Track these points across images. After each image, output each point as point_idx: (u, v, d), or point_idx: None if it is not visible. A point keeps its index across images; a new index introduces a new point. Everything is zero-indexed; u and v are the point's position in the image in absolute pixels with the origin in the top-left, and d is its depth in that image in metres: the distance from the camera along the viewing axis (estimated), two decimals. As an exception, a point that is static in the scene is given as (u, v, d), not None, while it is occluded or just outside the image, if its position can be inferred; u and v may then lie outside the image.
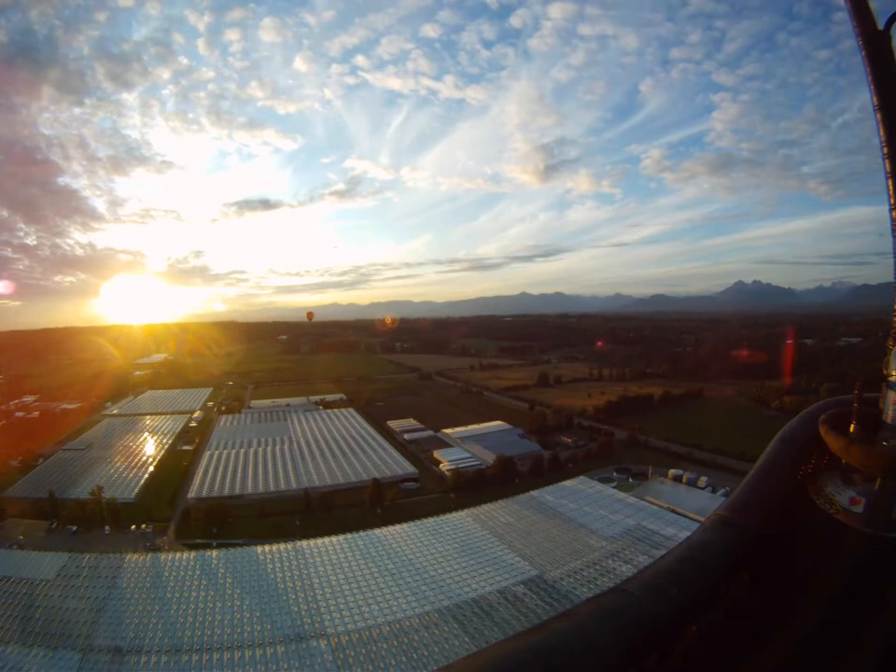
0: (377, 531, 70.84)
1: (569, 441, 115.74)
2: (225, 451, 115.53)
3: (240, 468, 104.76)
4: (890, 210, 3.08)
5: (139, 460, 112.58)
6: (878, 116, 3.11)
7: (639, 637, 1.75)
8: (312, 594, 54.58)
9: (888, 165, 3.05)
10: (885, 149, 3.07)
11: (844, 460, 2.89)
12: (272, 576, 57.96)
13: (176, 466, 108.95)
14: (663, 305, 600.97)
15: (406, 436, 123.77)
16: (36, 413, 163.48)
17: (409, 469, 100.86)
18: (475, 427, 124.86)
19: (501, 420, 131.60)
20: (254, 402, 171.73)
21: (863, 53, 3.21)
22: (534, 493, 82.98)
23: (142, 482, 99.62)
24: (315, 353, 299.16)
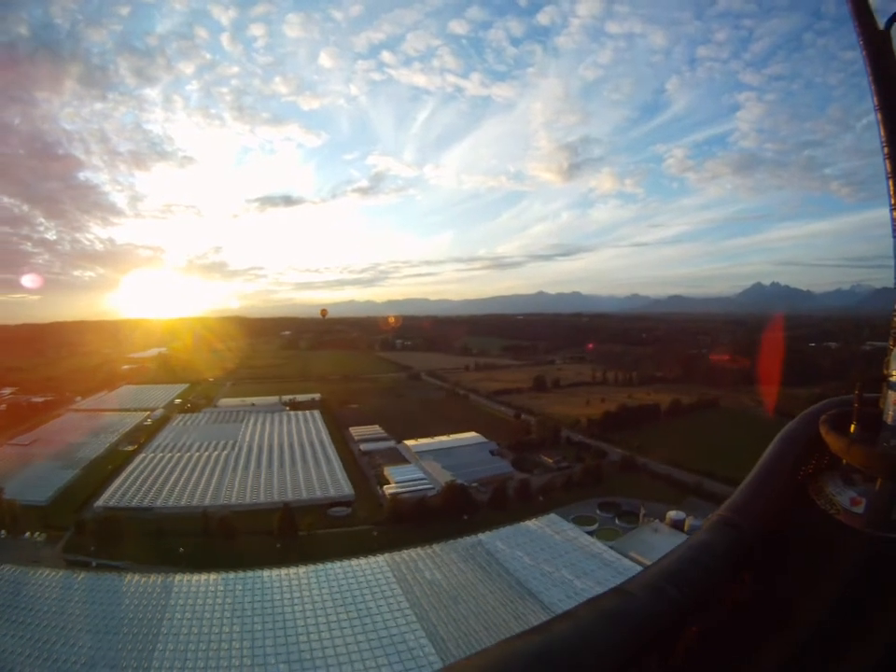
0: (260, 572, 54.51)
1: (550, 461, 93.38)
2: (161, 454, 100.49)
3: (164, 475, 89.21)
4: (891, 210, 3.08)
5: (74, 459, 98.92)
6: (878, 116, 3.09)
7: (640, 638, 1.74)
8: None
9: (888, 165, 3.04)
10: (885, 149, 3.05)
11: (844, 460, 2.85)
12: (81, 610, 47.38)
13: (105, 468, 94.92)
14: (679, 306, 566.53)
15: (363, 446, 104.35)
16: (3, 406, 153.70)
17: (345, 490, 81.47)
18: (443, 438, 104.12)
19: (477, 431, 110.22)
20: (223, 401, 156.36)
21: (863, 53, 3.14)
22: (483, 536, 62.03)
23: (63, 484, 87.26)
24: (313, 349, 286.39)
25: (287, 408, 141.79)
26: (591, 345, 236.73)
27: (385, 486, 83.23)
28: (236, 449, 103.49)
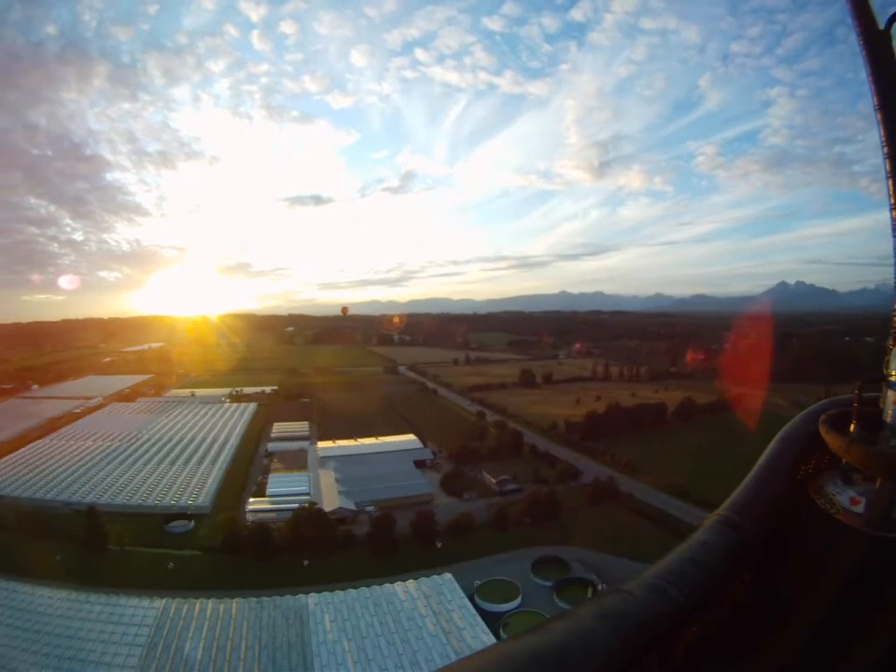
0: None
1: (494, 480, 64.57)
2: (59, 442, 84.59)
3: (39, 465, 72.56)
4: (891, 210, 3.00)
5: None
6: (878, 116, 3.02)
7: (640, 638, 1.70)
8: None
9: (888, 165, 2.98)
10: (885, 149, 3.00)
11: (844, 460, 2.76)
12: None
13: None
14: (703, 305, 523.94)
15: (270, 446, 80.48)
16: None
17: (201, 500, 58.22)
18: (368, 442, 78.60)
19: (426, 433, 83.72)
20: (174, 391, 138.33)
21: (863, 53, 3.11)
22: (314, 597, 35.63)
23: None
24: (310, 344, 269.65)
25: (227, 400, 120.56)
26: (579, 344, 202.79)
27: (252, 500, 58.64)
28: (133, 441, 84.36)
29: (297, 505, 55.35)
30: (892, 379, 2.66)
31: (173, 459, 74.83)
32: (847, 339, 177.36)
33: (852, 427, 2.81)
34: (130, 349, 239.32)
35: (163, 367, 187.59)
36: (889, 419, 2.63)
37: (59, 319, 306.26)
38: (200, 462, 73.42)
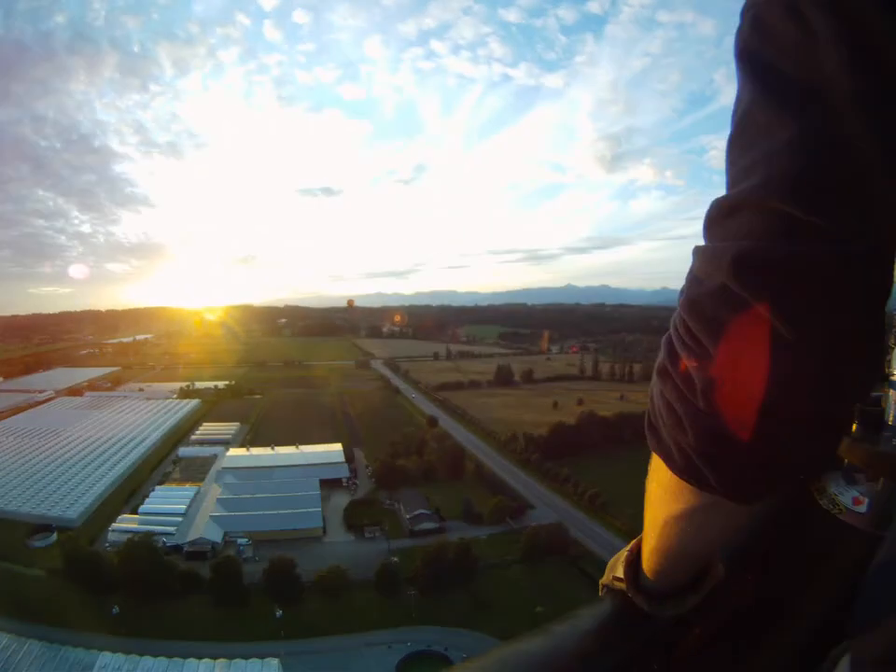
0: None
1: (407, 516, 50.99)
2: None
3: None
4: None
5: None
6: None
7: (640, 638, 1.60)
8: None
9: None
10: None
11: (846, 460, 2.42)
12: None
13: None
14: None
15: (182, 451, 71.29)
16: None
17: (70, 512, 50.87)
18: (287, 451, 68.05)
19: (369, 440, 73.08)
20: (131, 385, 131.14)
21: None
22: (83, 651, 25.84)
23: None
24: (295, 336, 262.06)
25: (175, 396, 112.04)
26: (574, 348, 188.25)
27: (122, 517, 49.14)
28: (56, 439, 75.44)
29: (159, 529, 45.57)
30: (894, 378, 2.03)
31: (72, 462, 66.01)
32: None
33: (854, 426, 2.13)
34: (114, 341, 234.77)
35: (137, 359, 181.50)
36: (890, 419, 2.07)
37: (58, 311, 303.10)
38: (99, 466, 64.42)
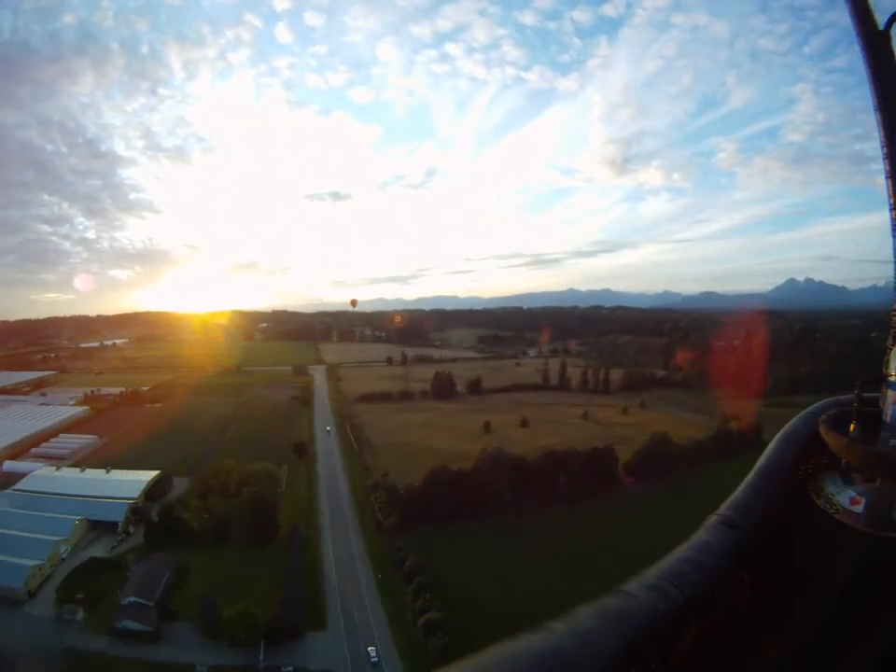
0: None
1: (123, 605, 34.40)
2: None
3: None
4: (891, 210, 3.00)
5: None
6: (878, 116, 3.02)
7: (640, 638, 1.72)
8: None
9: (887, 165, 2.97)
10: (885, 149, 3.00)
11: (844, 460, 2.80)
12: None
13: None
14: (711, 303, 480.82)
15: (9, 464, 61.43)
16: None
17: None
18: (95, 474, 56.48)
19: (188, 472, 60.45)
20: (54, 388, 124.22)
21: (863, 53, 3.12)
22: None
23: None
24: (268, 340, 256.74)
25: (72, 402, 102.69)
26: (547, 340, 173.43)
27: None
28: None
29: None
30: (892, 379, 2.65)
31: None
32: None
33: (852, 427, 2.82)
34: (85, 345, 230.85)
35: (89, 363, 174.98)
36: (888, 419, 2.63)
37: (46, 317, 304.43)
38: None
